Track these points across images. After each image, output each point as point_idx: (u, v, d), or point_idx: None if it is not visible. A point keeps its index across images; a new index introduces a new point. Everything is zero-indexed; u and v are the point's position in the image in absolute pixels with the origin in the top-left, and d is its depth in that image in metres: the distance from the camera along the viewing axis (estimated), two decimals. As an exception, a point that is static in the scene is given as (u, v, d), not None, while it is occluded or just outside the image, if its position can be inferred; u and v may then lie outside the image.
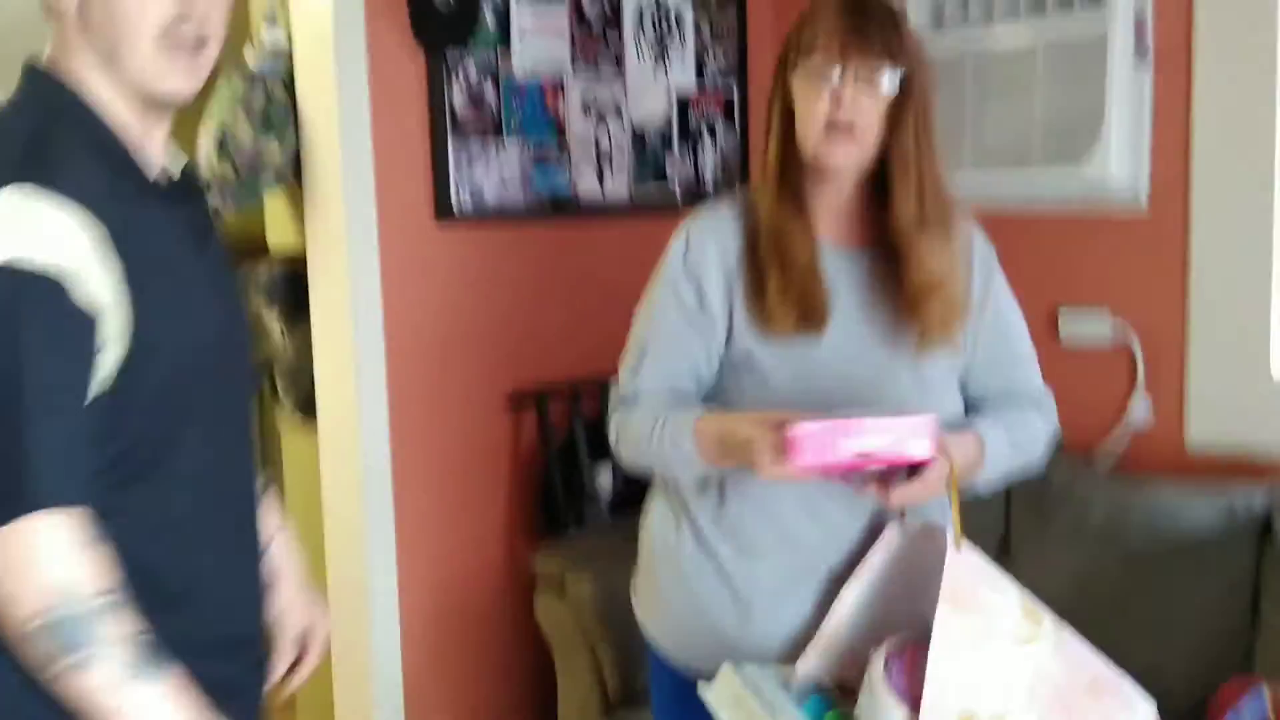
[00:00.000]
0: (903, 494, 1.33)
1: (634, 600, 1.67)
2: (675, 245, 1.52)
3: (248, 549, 1.34)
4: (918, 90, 1.41)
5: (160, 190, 1.22)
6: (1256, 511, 2.08)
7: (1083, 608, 2.17)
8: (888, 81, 1.38)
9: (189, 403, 1.20)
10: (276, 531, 1.47)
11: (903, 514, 1.42)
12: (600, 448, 2.80)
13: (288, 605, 1.45)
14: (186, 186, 1.30)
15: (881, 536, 1.43)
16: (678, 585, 1.54)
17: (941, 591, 1.21)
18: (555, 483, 2.73)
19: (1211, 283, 2.29)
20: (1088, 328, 2.44)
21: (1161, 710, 1.91)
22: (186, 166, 1.34)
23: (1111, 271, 2.43)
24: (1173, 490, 2.19)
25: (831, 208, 1.46)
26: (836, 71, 1.36)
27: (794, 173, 1.44)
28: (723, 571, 1.49)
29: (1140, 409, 2.39)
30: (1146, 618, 2.13)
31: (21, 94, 1.19)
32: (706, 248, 1.49)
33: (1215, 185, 2.27)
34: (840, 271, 1.45)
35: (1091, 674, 1.29)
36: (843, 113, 1.36)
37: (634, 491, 2.75)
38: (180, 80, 1.18)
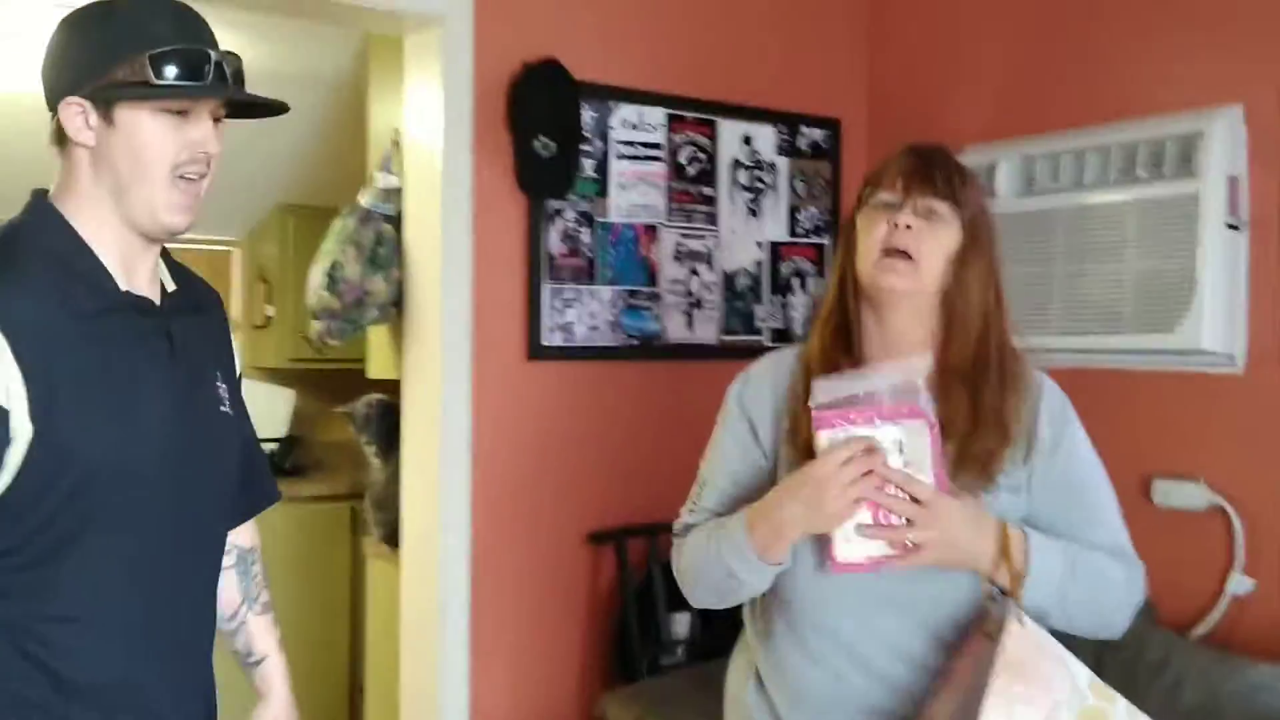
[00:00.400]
0: (919, 528, 1.32)
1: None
2: (735, 384, 1.59)
3: (183, 654, 1.38)
4: (982, 238, 1.45)
5: (138, 305, 1.30)
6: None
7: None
8: (947, 220, 1.42)
9: (100, 508, 1.25)
10: (270, 653, 1.57)
11: (991, 631, 1.37)
12: (678, 592, 2.78)
13: None
14: (182, 302, 1.38)
15: (966, 646, 1.37)
16: None
17: (997, 661, 1.15)
18: (631, 626, 2.71)
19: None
20: (1183, 495, 2.38)
21: None
22: (188, 283, 1.43)
23: (1207, 436, 2.38)
24: (1272, 671, 2.09)
25: (887, 345, 1.48)
26: (897, 202, 1.43)
27: (851, 308, 1.49)
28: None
29: (1239, 582, 2.30)
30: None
31: (22, 213, 1.32)
32: (763, 384, 1.54)
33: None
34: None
35: None
36: (899, 238, 1.41)
37: (711, 639, 2.72)
38: (184, 216, 1.30)
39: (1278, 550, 2.26)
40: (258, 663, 1.58)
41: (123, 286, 1.30)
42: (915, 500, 1.31)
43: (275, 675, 1.58)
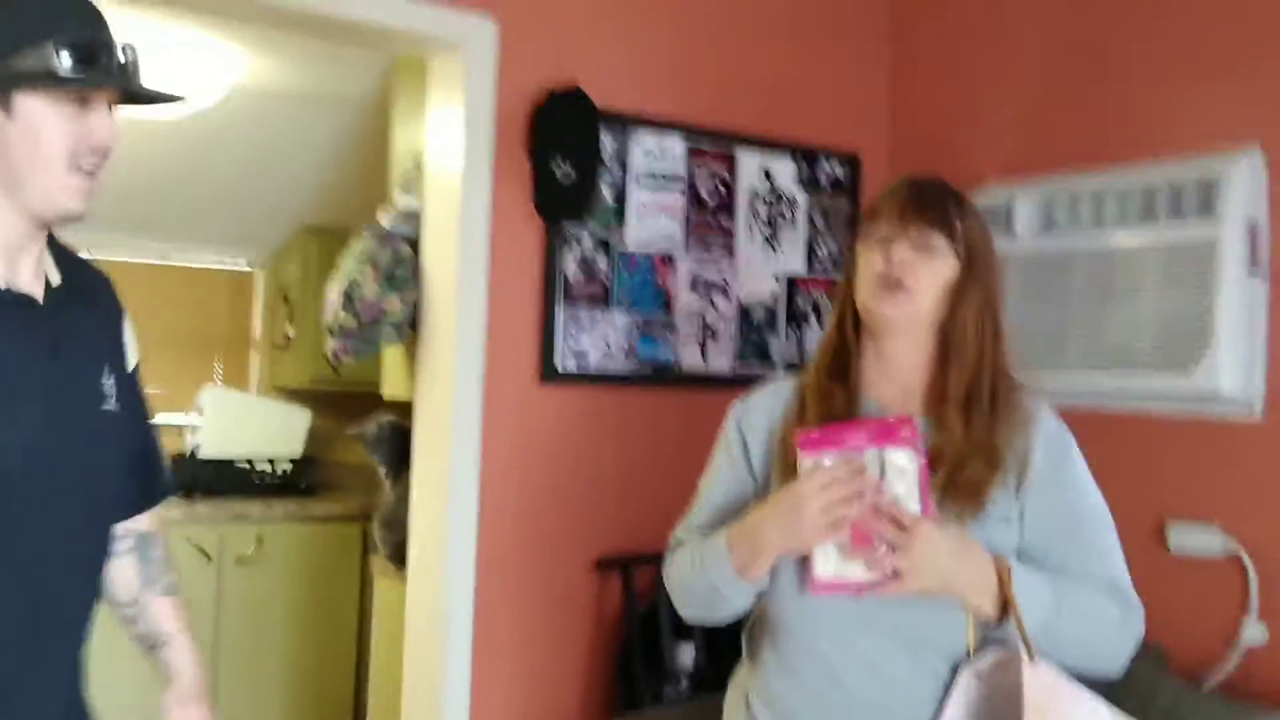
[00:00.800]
0: (908, 563, 1.31)
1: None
2: (735, 405, 1.62)
3: (48, 659, 1.35)
4: (980, 271, 1.46)
5: (18, 302, 1.29)
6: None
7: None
8: (943, 251, 1.44)
9: None
10: (175, 633, 1.54)
11: (969, 652, 1.37)
12: (683, 622, 2.76)
13: (174, 705, 1.51)
14: (67, 295, 1.37)
15: (955, 685, 1.37)
16: None
17: (1025, 703, 1.15)
18: (635, 654, 2.70)
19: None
20: (1197, 540, 2.35)
21: None
22: (78, 272, 1.42)
23: (1223, 482, 2.35)
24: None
25: (885, 374, 1.49)
26: (894, 233, 1.45)
27: (850, 337, 1.51)
28: None
29: (1253, 630, 2.26)
30: None
31: None
32: (760, 407, 1.57)
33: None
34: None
35: None
36: (895, 269, 1.43)
37: (716, 671, 2.69)
38: (83, 201, 1.30)
39: (1293, 599, 2.22)
40: (164, 645, 1.54)
41: (2, 284, 1.29)
42: (900, 526, 1.31)
43: (183, 656, 1.54)
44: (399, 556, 2.95)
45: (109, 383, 1.40)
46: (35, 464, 1.29)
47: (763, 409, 1.56)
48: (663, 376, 2.84)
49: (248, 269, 4.86)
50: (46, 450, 1.30)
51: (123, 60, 1.29)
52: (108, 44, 1.28)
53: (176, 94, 1.35)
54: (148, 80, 1.33)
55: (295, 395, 4.58)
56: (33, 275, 1.33)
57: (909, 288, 1.43)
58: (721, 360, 2.93)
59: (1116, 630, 1.44)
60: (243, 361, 4.94)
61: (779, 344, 3.02)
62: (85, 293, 1.42)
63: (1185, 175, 2.40)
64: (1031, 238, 2.67)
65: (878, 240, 1.47)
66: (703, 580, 1.46)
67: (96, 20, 1.30)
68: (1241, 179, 2.32)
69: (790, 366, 3.02)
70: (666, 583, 1.58)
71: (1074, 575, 1.43)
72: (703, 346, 2.90)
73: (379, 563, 3.21)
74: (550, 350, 2.67)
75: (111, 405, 1.40)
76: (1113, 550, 1.49)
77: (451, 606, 2.56)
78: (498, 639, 2.62)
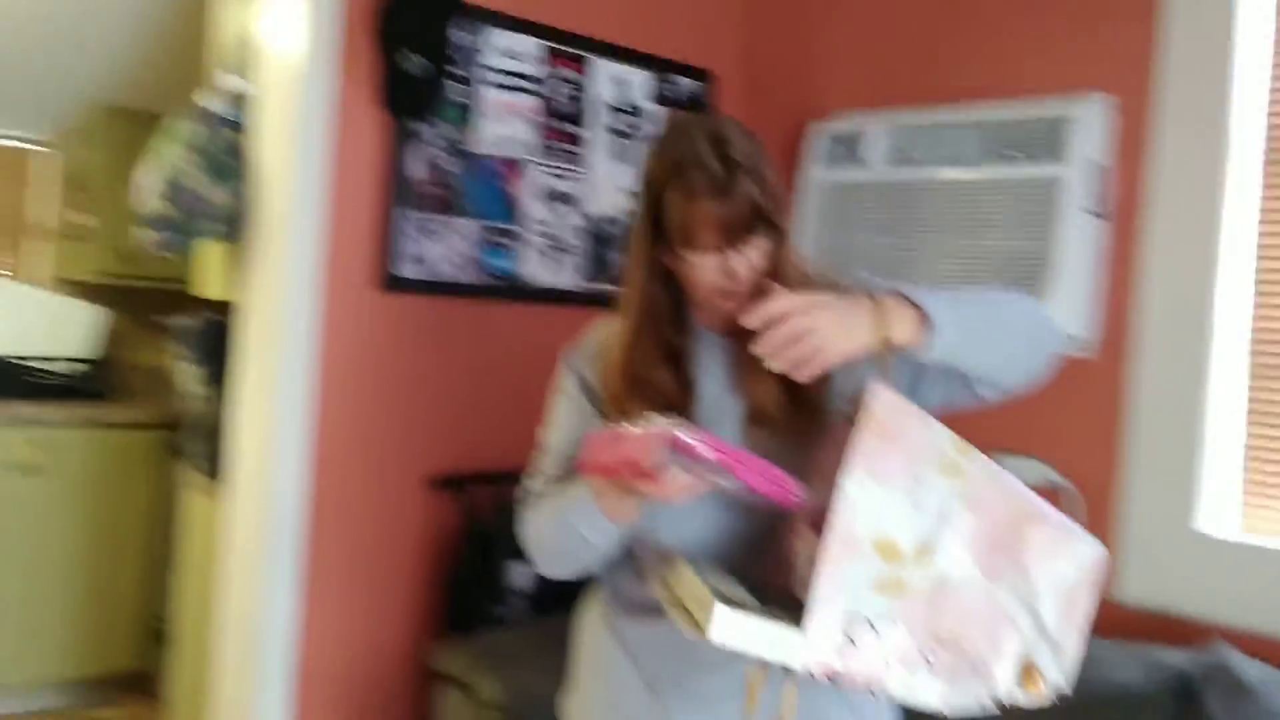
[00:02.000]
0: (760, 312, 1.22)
1: (560, 710, 1.58)
2: (566, 353, 1.53)
3: None
4: (786, 221, 1.39)
5: None
6: (1180, 675, 2.06)
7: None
8: (763, 236, 1.36)
9: None
10: None
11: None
12: (517, 542, 2.70)
13: None
14: None
15: (832, 435, 1.30)
16: (600, 691, 1.46)
17: (864, 416, 1.13)
18: (468, 575, 2.62)
19: (1146, 437, 2.31)
20: (1020, 471, 2.43)
21: None
22: None
23: (1051, 416, 2.44)
24: (1094, 646, 2.15)
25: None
26: (722, 257, 1.35)
27: (662, 299, 1.42)
28: (637, 664, 1.44)
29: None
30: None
31: None
32: (592, 341, 1.50)
33: (1157, 341, 2.31)
34: (712, 351, 1.43)
35: (1030, 506, 1.19)
36: (736, 283, 1.36)
37: (554, 591, 2.65)
38: None
39: (1106, 530, 2.35)
40: None
41: None
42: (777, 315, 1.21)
43: None
44: (213, 469, 2.76)
45: None
46: None
47: (594, 355, 1.48)
48: (509, 289, 2.73)
49: (26, 145, 4.40)
50: None
51: None
52: None
53: None
54: None
55: (87, 291, 4.21)
56: None
57: (749, 282, 1.35)
58: (569, 275, 2.84)
59: (1029, 305, 1.38)
60: (20, 249, 4.48)
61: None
62: None
63: (1033, 115, 2.45)
64: (881, 167, 2.69)
65: (702, 259, 1.35)
66: (566, 527, 1.37)
67: None
68: (1088, 122, 2.38)
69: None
70: (524, 539, 1.47)
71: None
72: (550, 259, 2.80)
73: (188, 475, 3.00)
74: (391, 255, 2.52)
75: None
76: None
77: (278, 524, 2.41)
78: (328, 557, 2.49)
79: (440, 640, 2.54)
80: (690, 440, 1.13)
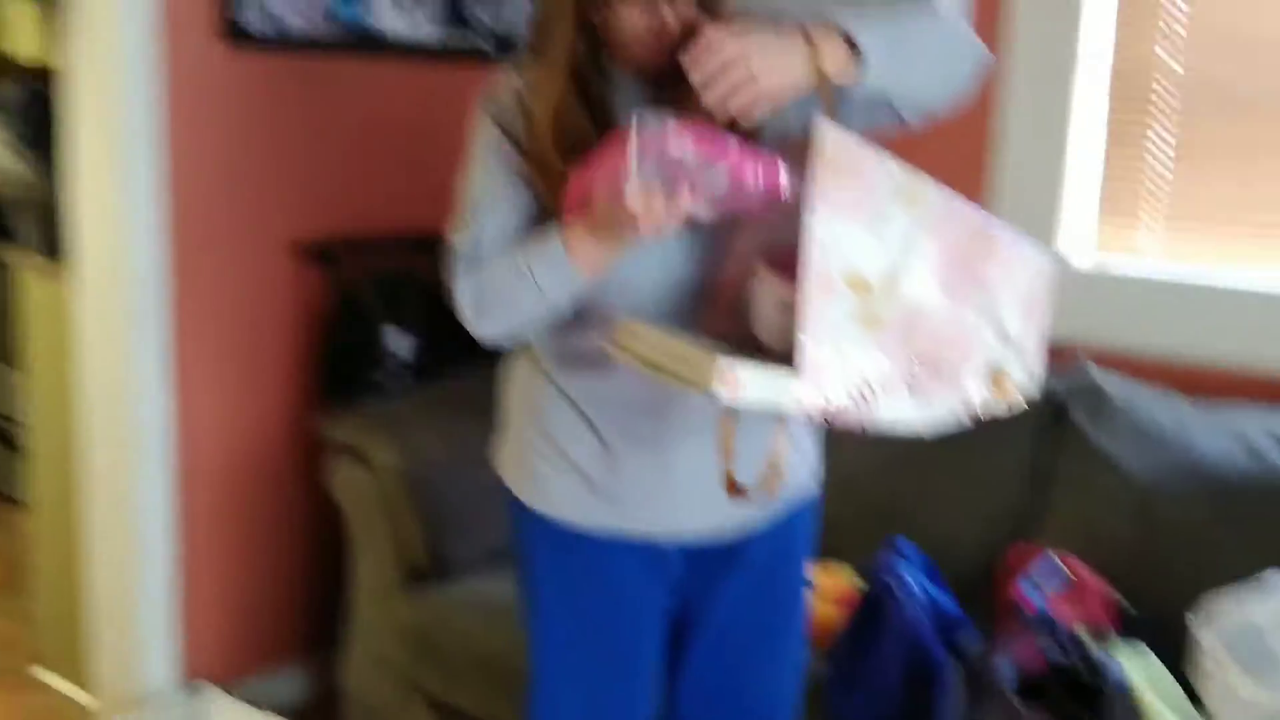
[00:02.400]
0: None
1: (497, 463, 1.57)
2: (483, 106, 1.42)
3: None
4: None
5: None
6: (1049, 394, 2.19)
7: (883, 484, 2.28)
8: None
9: None
10: None
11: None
12: (395, 309, 2.62)
13: None
14: None
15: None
16: (544, 439, 1.46)
17: (815, 155, 1.13)
18: (344, 343, 2.55)
19: (1010, 168, 2.39)
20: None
21: (951, 570, 2.03)
22: None
23: (913, 149, 2.47)
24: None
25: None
26: (650, 4, 1.29)
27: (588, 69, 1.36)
28: (585, 416, 1.43)
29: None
30: (942, 491, 2.23)
31: None
32: (507, 92, 1.41)
33: (1019, 79, 2.37)
34: (635, 101, 1.37)
35: (983, 226, 1.22)
36: (664, 31, 1.30)
37: (436, 358, 2.61)
38: None
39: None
40: None
41: None
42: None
43: None
44: (52, 249, 2.55)
45: None
46: None
47: (515, 110, 1.39)
48: (364, 43, 2.53)
49: None
50: None
51: None
52: None
53: None
54: None
55: None
56: None
57: (688, 28, 1.27)
58: (426, 28, 2.65)
59: (952, 28, 1.34)
60: None
61: (491, 8, 2.76)
62: None
63: None
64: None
65: (633, 11, 1.29)
66: (532, 292, 1.32)
67: None
68: None
69: (502, 42, 2.79)
70: (468, 307, 1.39)
71: None
72: (404, 11, 2.60)
73: (23, 256, 2.76)
74: (233, 5, 2.29)
75: None
76: None
77: (137, 307, 2.27)
78: (195, 339, 2.37)
79: (324, 411, 2.48)
80: (672, 134, 1.14)
